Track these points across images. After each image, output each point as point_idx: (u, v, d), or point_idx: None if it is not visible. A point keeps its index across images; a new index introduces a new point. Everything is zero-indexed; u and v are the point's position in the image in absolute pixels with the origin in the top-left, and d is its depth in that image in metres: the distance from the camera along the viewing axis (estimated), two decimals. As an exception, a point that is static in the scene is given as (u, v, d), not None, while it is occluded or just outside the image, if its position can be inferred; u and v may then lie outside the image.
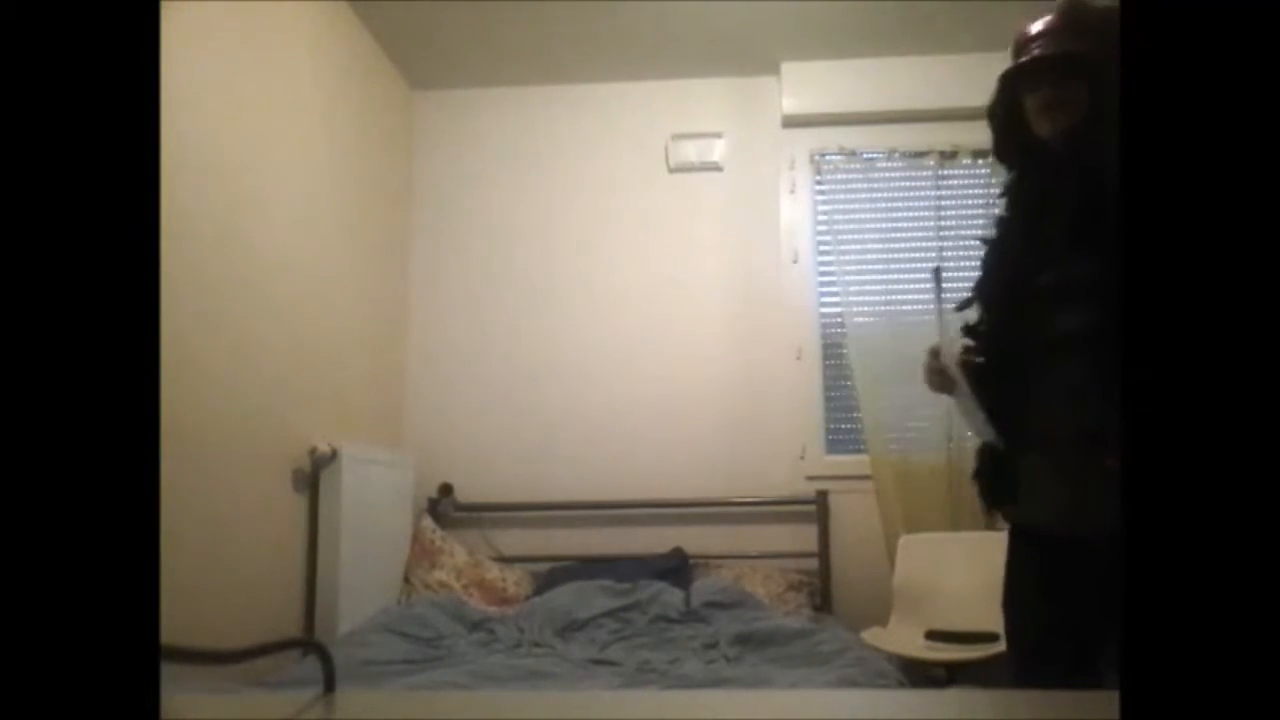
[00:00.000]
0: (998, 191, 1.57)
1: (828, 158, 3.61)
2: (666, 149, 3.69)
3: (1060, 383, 1.37)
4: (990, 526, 1.96)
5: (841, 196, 3.58)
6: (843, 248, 3.51)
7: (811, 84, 3.57)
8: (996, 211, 1.56)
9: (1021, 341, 1.40)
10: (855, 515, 3.35)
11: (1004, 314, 1.46)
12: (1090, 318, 1.30)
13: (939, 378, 1.51)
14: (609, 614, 2.77)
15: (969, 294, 1.57)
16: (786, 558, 3.31)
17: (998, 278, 1.49)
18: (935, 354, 1.51)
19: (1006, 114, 1.50)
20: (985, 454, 1.54)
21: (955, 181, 3.53)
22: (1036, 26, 1.44)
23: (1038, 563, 1.47)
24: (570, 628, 2.70)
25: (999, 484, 1.51)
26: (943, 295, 1.57)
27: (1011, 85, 1.47)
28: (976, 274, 1.56)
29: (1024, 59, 1.42)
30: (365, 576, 2.86)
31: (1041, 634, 1.45)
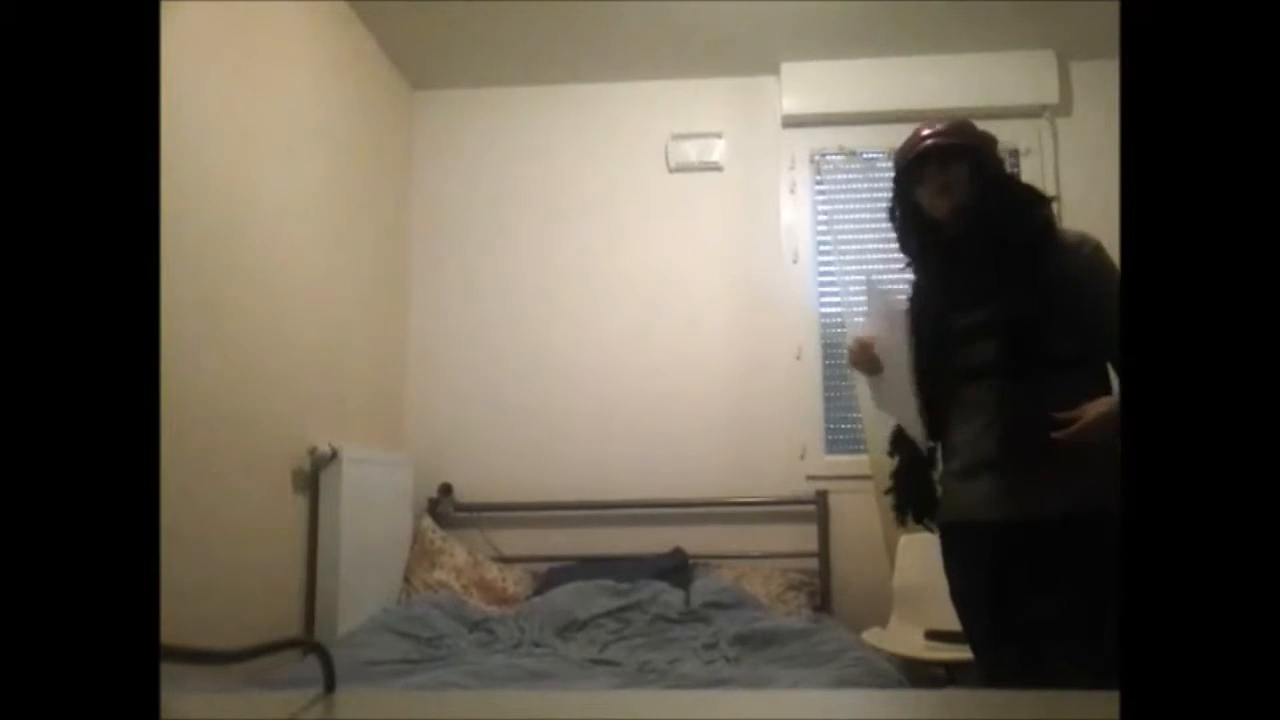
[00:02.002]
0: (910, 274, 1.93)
1: (828, 158, 3.61)
2: (666, 149, 3.69)
3: (975, 399, 1.71)
4: (912, 530, 2.22)
5: (841, 196, 3.59)
6: (843, 248, 3.51)
7: (811, 84, 3.57)
8: (912, 278, 1.92)
9: (944, 369, 1.74)
10: (855, 515, 3.35)
11: (930, 349, 1.77)
12: (994, 349, 1.66)
13: (869, 363, 1.85)
14: (609, 614, 2.77)
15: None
16: (786, 558, 3.30)
17: (924, 326, 1.81)
18: (861, 343, 1.87)
19: (904, 207, 1.82)
20: (903, 470, 1.87)
21: (955, 181, 3.53)
22: (924, 130, 1.77)
23: (968, 548, 1.76)
24: (570, 628, 2.70)
25: (919, 494, 1.84)
26: (878, 299, 1.93)
27: (906, 179, 1.78)
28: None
29: (918, 148, 1.73)
30: (365, 576, 2.86)
31: (988, 606, 1.73)
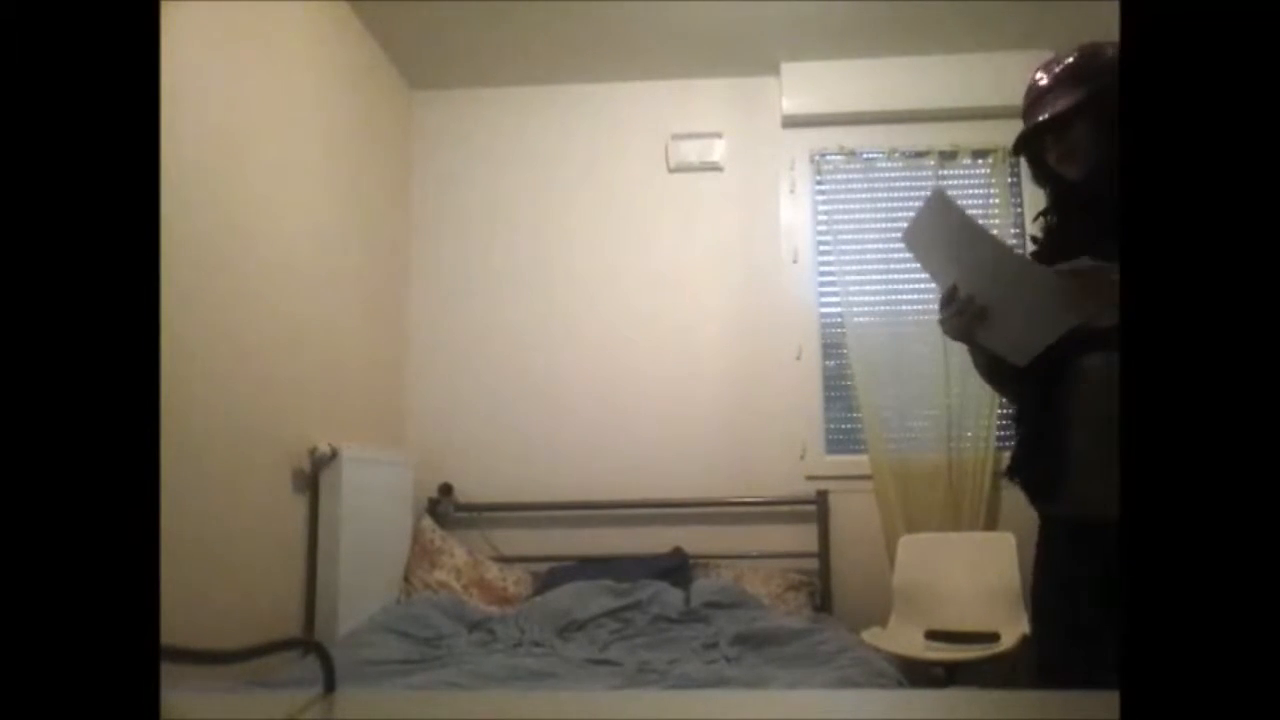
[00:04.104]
0: (1033, 215, 1.65)
1: (828, 158, 3.61)
2: (666, 149, 3.69)
3: (1101, 370, 1.40)
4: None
5: (841, 196, 3.59)
6: (843, 248, 3.51)
7: (811, 84, 3.57)
8: (1036, 230, 1.63)
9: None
10: (855, 515, 3.35)
11: None
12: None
13: (968, 318, 1.44)
14: (609, 614, 2.77)
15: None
16: (786, 558, 3.31)
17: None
18: (955, 295, 1.44)
19: (1033, 163, 1.58)
20: (1028, 445, 1.54)
21: (955, 181, 3.53)
22: (1042, 80, 1.52)
23: (1074, 549, 1.47)
24: (570, 628, 2.70)
25: (1050, 474, 1.49)
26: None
27: (1026, 145, 1.55)
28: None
29: (1027, 127, 1.51)
30: (365, 576, 2.86)
31: (1073, 627, 1.45)
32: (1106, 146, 1.42)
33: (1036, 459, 1.51)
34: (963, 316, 1.42)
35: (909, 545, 3.13)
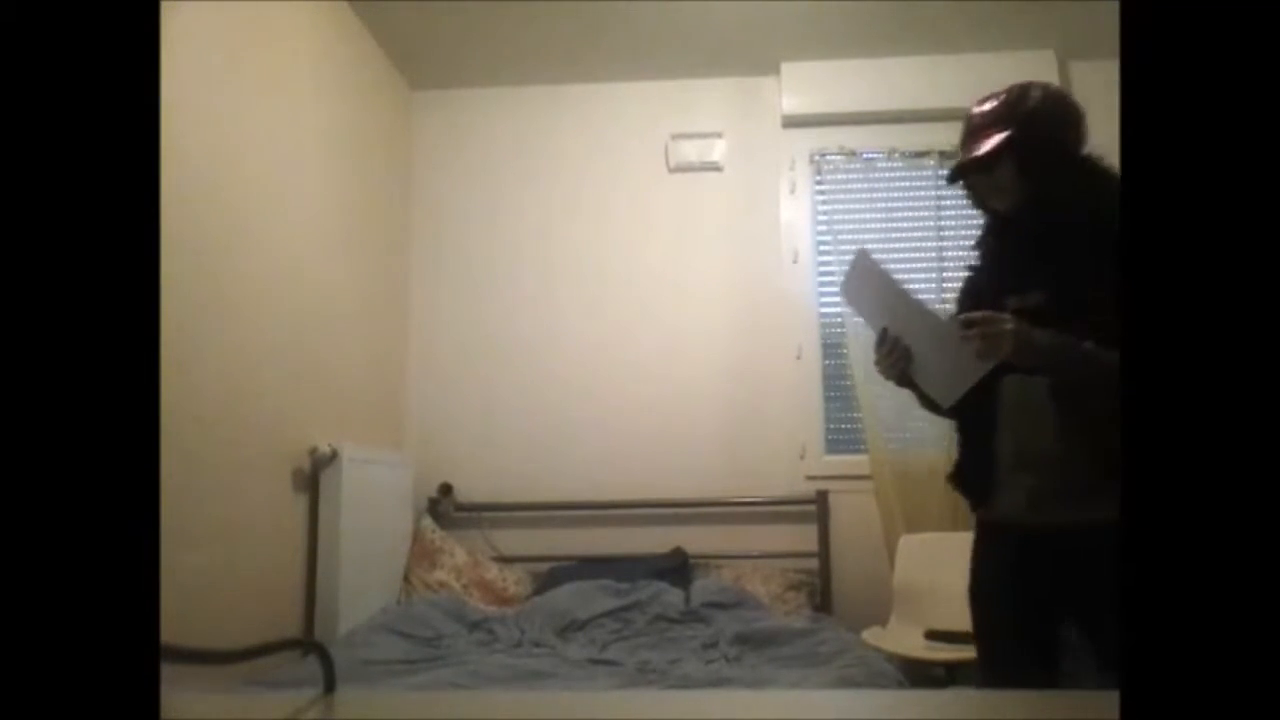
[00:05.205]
0: (972, 244, 1.77)
1: (828, 158, 3.61)
2: (666, 149, 3.69)
3: (1023, 391, 1.54)
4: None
5: (841, 196, 3.59)
6: (843, 248, 3.51)
7: (811, 84, 3.57)
8: (973, 258, 1.76)
9: None
10: (855, 515, 3.35)
11: None
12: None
13: (898, 361, 1.59)
14: (609, 614, 2.77)
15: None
16: (786, 558, 3.31)
17: (972, 300, 1.66)
18: (884, 340, 1.60)
19: (968, 194, 1.70)
20: (965, 456, 1.68)
21: (955, 181, 3.53)
22: (976, 118, 1.64)
23: (1003, 549, 1.61)
24: (570, 628, 2.70)
25: (981, 481, 1.63)
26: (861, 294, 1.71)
27: (961, 177, 1.66)
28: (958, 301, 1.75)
29: (960, 160, 1.62)
30: (365, 576, 2.86)
31: (1009, 622, 1.60)
32: (1033, 184, 1.56)
33: (971, 470, 1.66)
34: (893, 357, 1.58)
35: (909, 545, 3.13)
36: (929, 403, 1.66)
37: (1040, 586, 1.54)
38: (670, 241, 3.64)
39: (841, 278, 1.69)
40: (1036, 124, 1.58)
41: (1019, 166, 1.56)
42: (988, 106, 1.63)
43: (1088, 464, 1.43)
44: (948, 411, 1.62)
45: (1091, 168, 1.58)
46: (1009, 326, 1.40)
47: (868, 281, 1.64)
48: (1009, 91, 1.64)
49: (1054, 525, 1.49)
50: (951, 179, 1.67)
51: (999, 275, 1.62)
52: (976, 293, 1.66)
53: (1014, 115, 1.59)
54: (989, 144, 1.57)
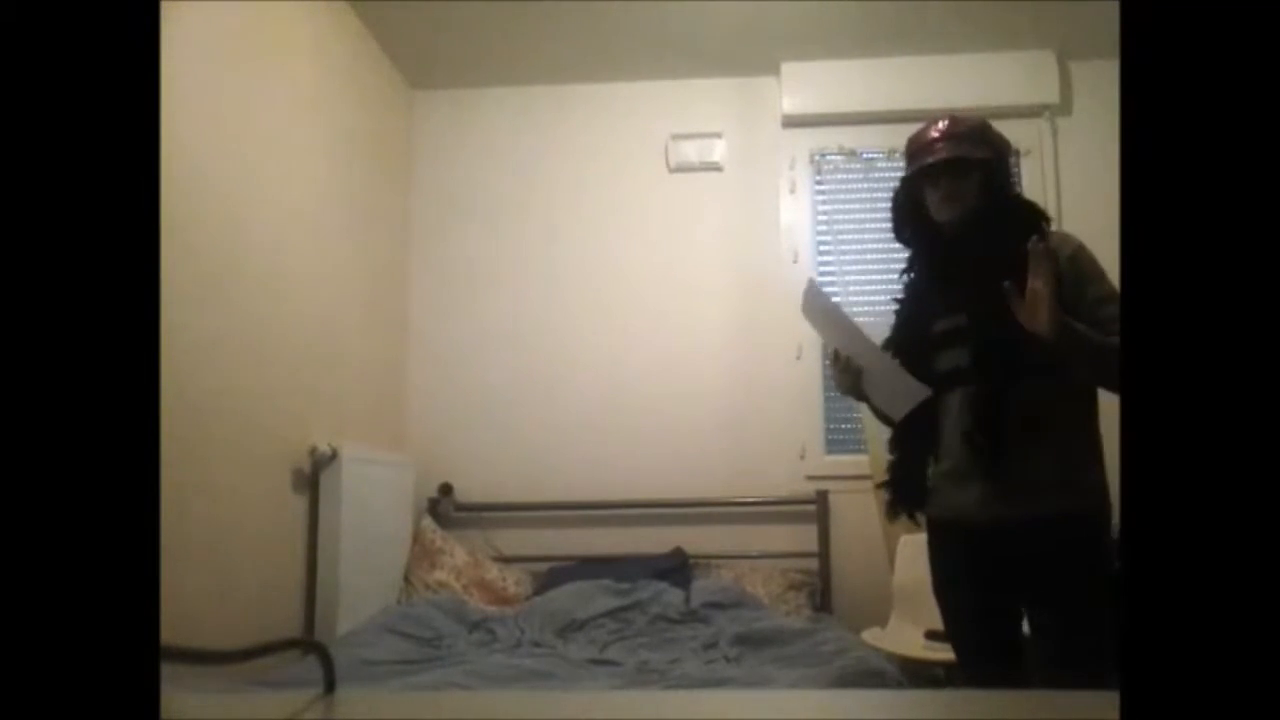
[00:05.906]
0: (903, 266, 1.91)
1: (828, 158, 3.61)
2: (666, 149, 3.69)
3: (951, 404, 1.71)
4: (910, 530, 2.28)
5: (841, 196, 3.59)
6: (843, 248, 3.51)
7: (811, 84, 3.57)
8: (904, 280, 1.90)
9: (922, 373, 1.72)
10: (855, 515, 3.35)
11: (910, 352, 1.79)
12: (969, 355, 1.68)
13: (848, 377, 1.79)
14: (609, 614, 2.77)
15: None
16: (786, 558, 3.31)
17: (905, 326, 1.85)
18: (837, 358, 1.80)
19: (909, 204, 1.82)
20: (896, 466, 1.85)
21: (955, 181, 3.53)
22: (934, 133, 1.75)
23: (954, 547, 1.79)
24: (570, 628, 2.70)
25: (910, 490, 1.82)
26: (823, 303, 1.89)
27: (917, 177, 1.77)
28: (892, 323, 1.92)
29: (931, 160, 1.72)
30: (365, 576, 2.86)
31: (969, 605, 1.78)
32: (980, 204, 1.71)
33: (905, 477, 1.83)
34: (846, 375, 1.78)
35: (909, 545, 3.12)
36: (880, 415, 1.86)
37: (991, 577, 1.70)
38: (670, 242, 3.64)
39: (801, 299, 1.88)
40: (1003, 150, 1.78)
41: (983, 182, 1.71)
42: (958, 128, 1.74)
43: (1037, 464, 1.59)
44: (898, 423, 1.81)
45: (1028, 207, 1.78)
46: (1047, 298, 1.45)
47: (817, 306, 1.86)
48: (976, 119, 1.79)
49: (1001, 520, 1.64)
50: (905, 188, 1.81)
51: (927, 293, 1.79)
52: (908, 313, 1.84)
53: (988, 136, 1.76)
54: (970, 151, 1.70)
